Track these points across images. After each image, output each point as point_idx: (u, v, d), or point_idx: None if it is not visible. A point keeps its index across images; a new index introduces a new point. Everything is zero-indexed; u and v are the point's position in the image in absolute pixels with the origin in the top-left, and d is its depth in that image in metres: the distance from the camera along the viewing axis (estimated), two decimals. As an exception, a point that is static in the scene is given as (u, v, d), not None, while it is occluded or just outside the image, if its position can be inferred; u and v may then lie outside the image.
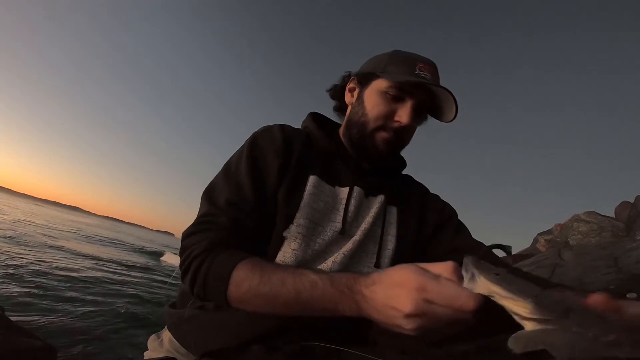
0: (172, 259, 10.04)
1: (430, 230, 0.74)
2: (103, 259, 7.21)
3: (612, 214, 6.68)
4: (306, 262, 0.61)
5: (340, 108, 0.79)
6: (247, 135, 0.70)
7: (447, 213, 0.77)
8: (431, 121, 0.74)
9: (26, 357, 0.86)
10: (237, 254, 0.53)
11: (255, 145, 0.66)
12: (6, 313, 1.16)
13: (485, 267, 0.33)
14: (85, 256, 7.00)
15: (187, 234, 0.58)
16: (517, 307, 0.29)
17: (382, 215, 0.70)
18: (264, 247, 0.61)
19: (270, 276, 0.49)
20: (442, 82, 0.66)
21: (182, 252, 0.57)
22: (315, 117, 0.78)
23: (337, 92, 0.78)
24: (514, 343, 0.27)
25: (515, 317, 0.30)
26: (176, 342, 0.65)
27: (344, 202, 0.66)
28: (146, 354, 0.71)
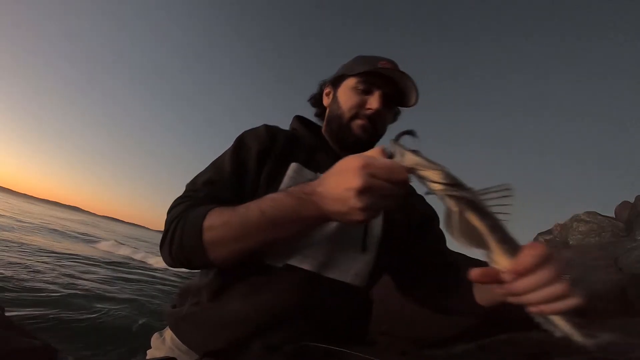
0: (107, 247, 10.03)
1: (416, 227, 0.78)
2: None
3: (612, 214, 6.67)
4: (289, 245, 0.63)
5: (321, 113, 0.86)
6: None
7: (431, 216, 0.83)
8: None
9: (26, 357, 0.86)
10: (209, 206, 0.57)
11: (241, 139, 0.72)
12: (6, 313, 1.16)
13: (407, 147, 0.41)
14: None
15: (169, 209, 0.63)
16: (434, 174, 0.37)
17: None
18: None
19: (237, 209, 0.53)
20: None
21: (164, 225, 0.61)
22: (300, 118, 0.86)
23: (316, 100, 0.87)
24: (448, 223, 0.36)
25: (431, 185, 0.38)
26: (177, 339, 0.67)
27: None
28: (149, 352, 0.73)
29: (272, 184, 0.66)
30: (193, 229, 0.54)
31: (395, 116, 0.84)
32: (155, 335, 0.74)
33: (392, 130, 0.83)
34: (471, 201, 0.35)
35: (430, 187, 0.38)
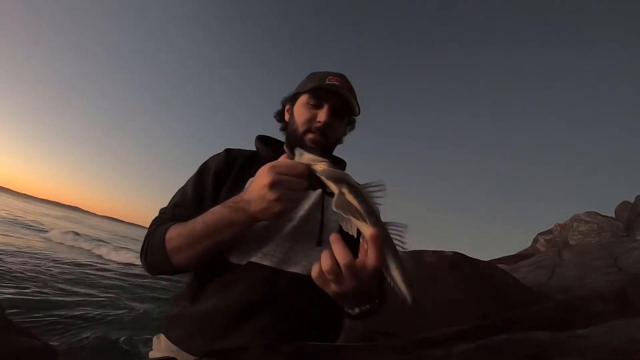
0: (57, 238, 9.24)
1: None
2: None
3: (612, 214, 6.68)
4: (251, 245, 0.72)
5: (285, 128, 0.93)
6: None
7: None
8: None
9: (26, 357, 0.86)
10: (171, 223, 0.72)
11: (204, 165, 0.87)
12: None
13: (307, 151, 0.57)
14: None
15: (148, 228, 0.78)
16: (322, 165, 0.52)
17: (320, 204, 0.80)
18: None
19: (188, 223, 0.68)
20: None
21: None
22: (261, 137, 0.95)
23: (280, 116, 0.95)
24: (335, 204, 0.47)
25: (319, 173, 0.52)
26: (168, 341, 0.74)
27: None
28: (150, 354, 0.78)
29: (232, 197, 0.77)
30: (158, 242, 0.70)
31: (351, 124, 0.94)
32: (154, 338, 0.81)
33: (353, 136, 0.97)
34: (349, 185, 0.49)
35: (319, 175, 0.52)
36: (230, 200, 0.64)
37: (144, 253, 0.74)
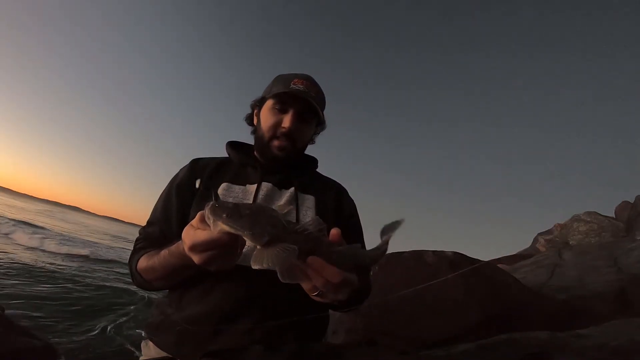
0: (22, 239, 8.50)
1: (345, 219, 0.89)
2: None
3: (612, 214, 6.67)
4: None
5: (255, 131, 0.93)
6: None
7: (354, 207, 0.95)
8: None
9: (26, 357, 0.86)
10: (140, 253, 0.76)
11: (173, 179, 0.87)
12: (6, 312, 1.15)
13: (219, 211, 0.42)
14: None
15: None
16: (246, 236, 0.41)
17: (294, 201, 0.82)
18: None
19: (152, 258, 0.71)
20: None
21: None
22: (231, 143, 0.95)
23: (250, 119, 0.94)
24: (253, 262, 0.39)
25: (223, 229, 0.42)
26: (157, 347, 0.77)
27: (253, 194, 0.80)
28: (141, 359, 0.82)
29: (202, 206, 0.75)
30: (134, 272, 0.76)
31: (321, 125, 0.93)
32: (143, 344, 0.84)
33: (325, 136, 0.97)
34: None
35: (224, 229, 0.42)
36: (176, 249, 0.62)
37: (131, 276, 0.79)
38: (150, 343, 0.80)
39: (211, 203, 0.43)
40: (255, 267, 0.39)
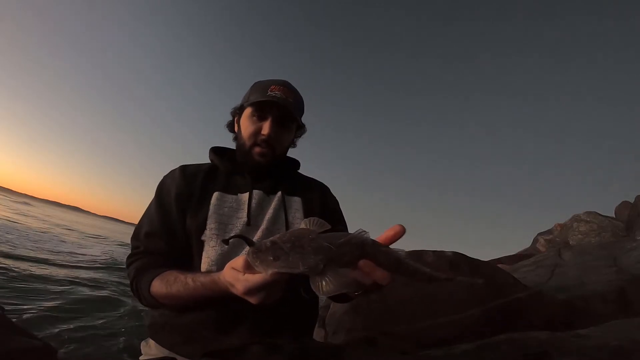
0: None
1: (330, 214, 0.92)
2: None
3: (612, 214, 6.68)
4: (226, 254, 0.75)
5: (236, 138, 0.94)
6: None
7: (337, 204, 0.99)
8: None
9: (26, 357, 0.86)
10: (153, 273, 0.73)
11: (161, 187, 0.86)
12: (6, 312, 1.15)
13: (263, 256, 0.42)
14: None
15: (126, 265, 0.80)
16: (302, 272, 0.41)
17: (282, 205, 0.85)
18: (191, 252, 0.78)
19: (169, 284, 0.69)
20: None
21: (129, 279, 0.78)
22: (214, 149, 0.96)
23: (232, 126, 0.95)
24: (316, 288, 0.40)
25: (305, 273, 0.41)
26: (158, 345, 0.78)
27: (246, 203, 0.83)
28: (141, 358, 0.82)
29: (200, 215, 0.79)
30: (145, 294, 0.72)
31: (301, 128, 0.95)
32: (143, 343, 0.85)
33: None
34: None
35: (277, 273, 0.43)
36: (214, 285, 0.61)
37: (137, 297, 0.76)
38: (151, 342, 0.80)
39: (250, 249, 0.43)
40: (323, 295, 0.41)
